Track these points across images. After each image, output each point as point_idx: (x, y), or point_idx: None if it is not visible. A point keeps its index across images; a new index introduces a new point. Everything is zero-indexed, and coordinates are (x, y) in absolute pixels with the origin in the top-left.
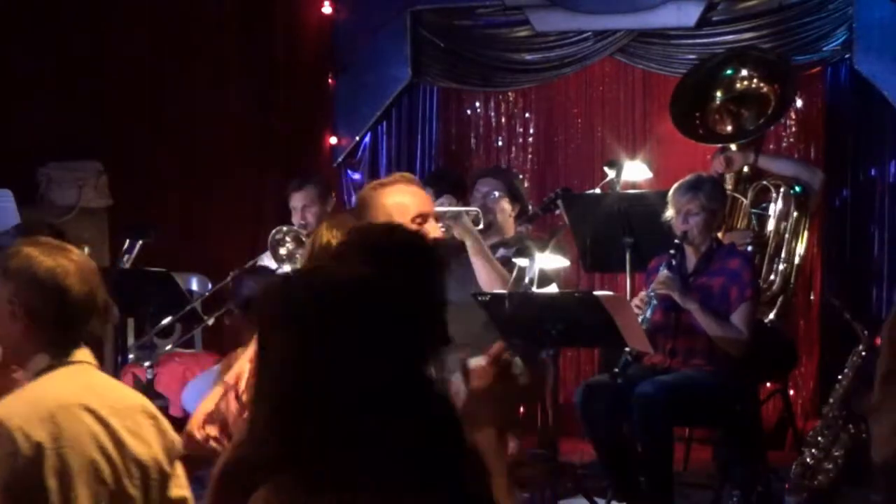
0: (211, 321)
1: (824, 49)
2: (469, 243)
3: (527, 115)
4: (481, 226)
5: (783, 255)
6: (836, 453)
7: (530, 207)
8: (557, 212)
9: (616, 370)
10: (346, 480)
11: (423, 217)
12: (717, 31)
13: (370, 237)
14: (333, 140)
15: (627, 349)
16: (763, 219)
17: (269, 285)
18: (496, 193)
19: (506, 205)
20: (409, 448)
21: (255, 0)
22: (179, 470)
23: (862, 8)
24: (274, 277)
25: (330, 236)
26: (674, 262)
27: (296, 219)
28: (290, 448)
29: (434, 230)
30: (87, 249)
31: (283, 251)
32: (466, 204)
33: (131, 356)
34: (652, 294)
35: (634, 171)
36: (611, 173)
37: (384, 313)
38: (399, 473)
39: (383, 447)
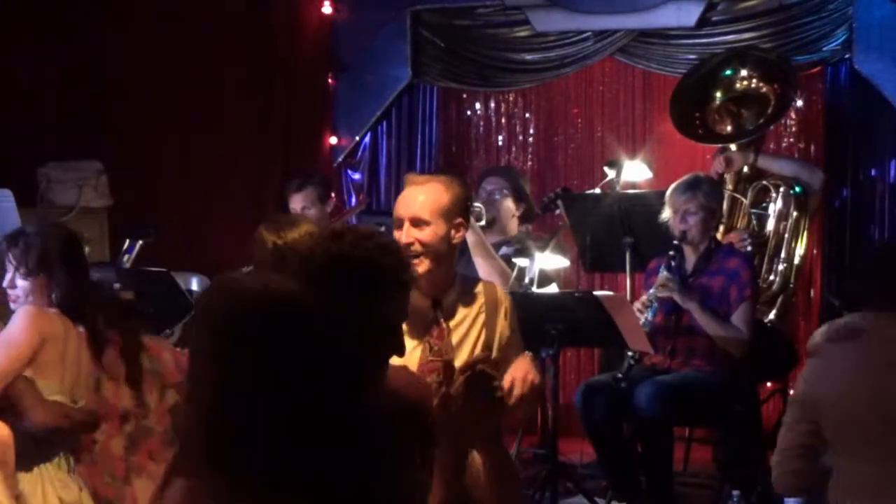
0: None
1: (824, 49)
2: (470, 238)
3: (527, 115)
4: (483, 222)
5: (783, 254)
6: None
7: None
8: (557, 212)
9: (619, 375)
10: (258, 487)
11: (399, 222)
12: (717, 31)
13: (311, 250)
14: (333, 140)
15: (630, 353)
16: (763, 219)
17: (205, 293)
18: (503, 192)
19: (510, 204)
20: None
21: (255, 0)
22: None
23: (862, 8)
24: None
25: (274, 238)
26: (673, 264)
27: None
28: (208, 452)
29: (410, 235)
30: (87, 249)
31: None
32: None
33: None
34: (653, 297)
35: (634, 171)
36: (611, 173)
37: (298, 330)
38: (309, 486)
39: (293, 461)
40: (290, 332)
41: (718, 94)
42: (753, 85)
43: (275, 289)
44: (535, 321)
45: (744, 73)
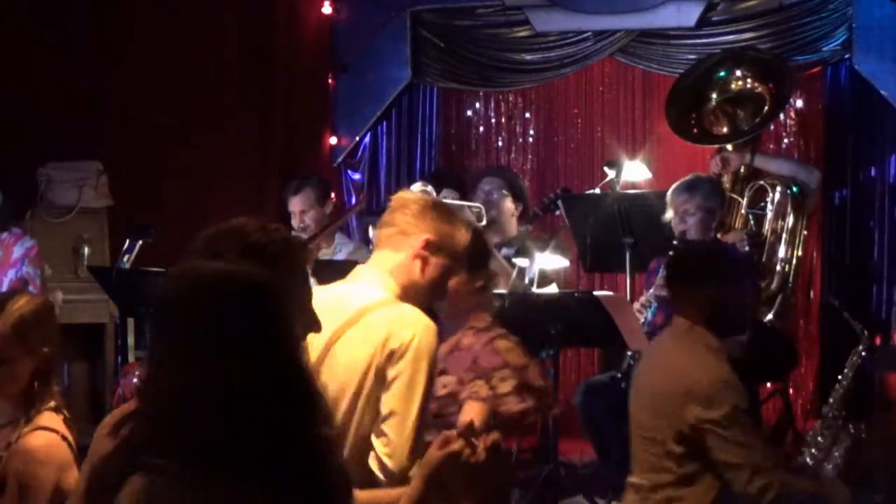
0: None
1: (824, 49)
2: None
3: (527, 115)
4: (484, 222)
5: (781, 254)
6: (836, 453)
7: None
8: (557, 212)
9: (619, 375)
10: (231, 475)
11: None
12: (717, 31)
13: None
14: (333, 140)
15: (630, 353)
16: (760, 218)
17: (168, 279)
18: (501, 192)
19: (509, 203)
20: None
21: (255, 0)
22: None
23: (862, 8)
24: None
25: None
26: None
27: (295, 222)
28: (182, 434)
29: None
30: (86, 249)
31: None
32: (469, 202)
33: (131, 357)
34: (652, 296)
35: (634, 171)
36: (611, 173)
37: (268, 311)
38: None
39: (255, 445)
40: (258, 308)
41: (714, 95)
42: (749, 85)
43: (236, 270)
44: (535, 321)
45: (739, 73)
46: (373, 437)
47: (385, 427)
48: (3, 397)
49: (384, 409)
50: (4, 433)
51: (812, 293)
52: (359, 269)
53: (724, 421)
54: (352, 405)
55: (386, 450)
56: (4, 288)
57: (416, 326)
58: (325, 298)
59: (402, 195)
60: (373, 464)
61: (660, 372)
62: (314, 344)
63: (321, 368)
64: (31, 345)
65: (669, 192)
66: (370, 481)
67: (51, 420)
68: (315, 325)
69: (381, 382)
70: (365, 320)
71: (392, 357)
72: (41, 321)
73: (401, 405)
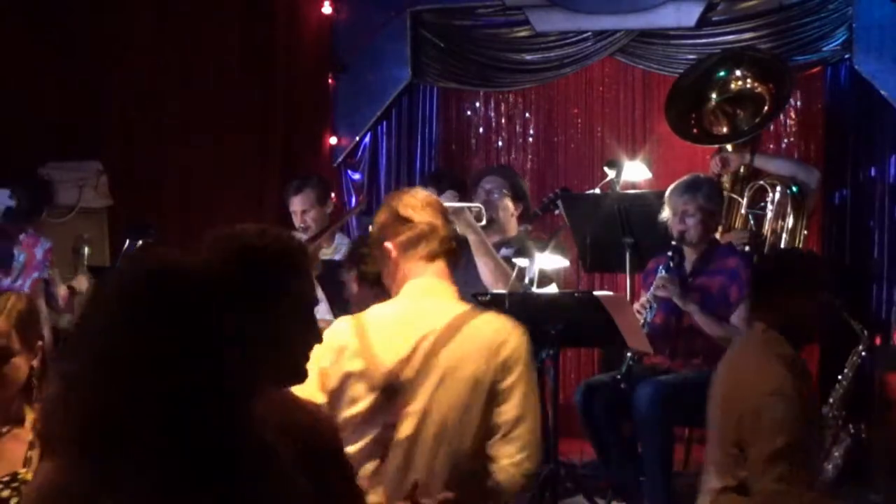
0: None
1: (824, 49)
2: (471, 239)
3: (527, 115)
4: (483, 222)
5: None
6: (836, 453)
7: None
8: (557, 212)
9: (619, 377)
10: (120, 477)
11: None
12: (717, 31)
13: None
14: (333, 140)
15: (630, 354)
16: (760, 218)
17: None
18: (502, 191)
19: (509, 203)
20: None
21: (255, 0)
22: None
23: (862, 8)
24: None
25: None
26: (671, 265)
27: (296, 221)
28: (79, 434)
29: None
30: (86, 249)
31: None
32: (469, 202)
33: None
34: (652, 298)
35: (634, 171)
36: (611, 173)
37: (196, 301)
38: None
39: (168, 459)
40: (189, 303)
41: (714, 95)
42: (748, 85)
43: (178, 261)
44: (535, 321)
45: (738, 73)
46: (499, 447)
47: (517, 432)
48: (6, 399)
49: (510, 415)
50: (15, 433)
51: None
52: (424, 283)
53: (776, 431)
54: (459, 418)
55: (523, 454)
56: (27, 289)
57: (518, 333)
58: (403, 314)
59: (431, 197)
60: (505, 471)
61: (729, 374)
62: (412, 361)
63: (422, 383)
64: (30, 341)
65: (668, 193)
66: (482, 490)
67: None
68: (317, 338)
69: (494, 394)
70: (464, 332)
71: (506, 366)
72: (34, 317)
73: (527, 408)
